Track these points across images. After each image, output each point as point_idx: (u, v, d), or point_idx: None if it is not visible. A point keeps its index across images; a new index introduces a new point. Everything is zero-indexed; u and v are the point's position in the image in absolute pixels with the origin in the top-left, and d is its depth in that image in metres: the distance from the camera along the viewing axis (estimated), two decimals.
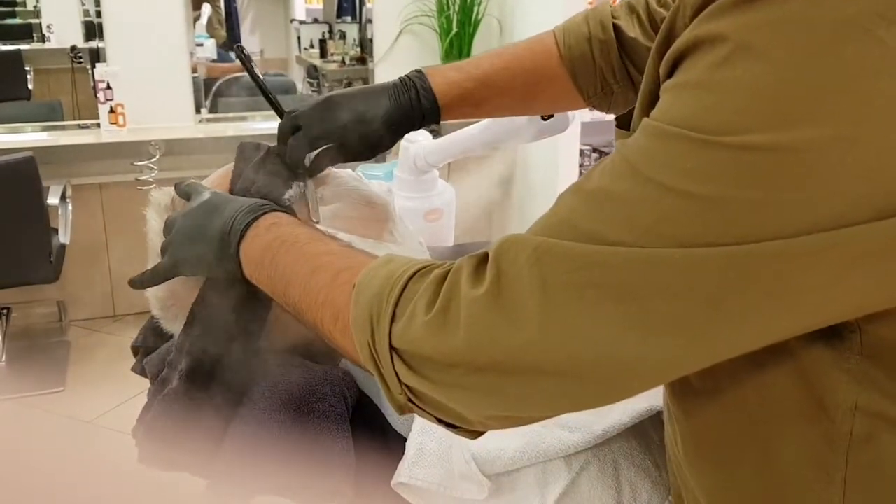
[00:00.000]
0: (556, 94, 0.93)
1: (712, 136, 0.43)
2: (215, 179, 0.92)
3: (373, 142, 0.89)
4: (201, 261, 0.75)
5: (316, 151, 0.88)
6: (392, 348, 0.53)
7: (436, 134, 1.41)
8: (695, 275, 0.43)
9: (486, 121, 1.22)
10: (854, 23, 0.39)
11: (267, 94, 0.94)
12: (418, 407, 0.55)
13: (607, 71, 0.89)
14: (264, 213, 0.72)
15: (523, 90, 0.93)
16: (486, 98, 0.91)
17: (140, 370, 0.96)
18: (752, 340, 0.46)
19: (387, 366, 0.54)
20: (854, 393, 0.48)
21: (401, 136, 0.91)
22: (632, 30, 0.87)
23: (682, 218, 0.43)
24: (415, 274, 0.54)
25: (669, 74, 0.47)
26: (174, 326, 0.88)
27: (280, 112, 0.92)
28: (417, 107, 0.88)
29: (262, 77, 0.94)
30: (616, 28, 0.88)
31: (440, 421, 0.55)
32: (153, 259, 0.85)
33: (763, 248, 0.42)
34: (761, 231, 0.42)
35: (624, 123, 0.60)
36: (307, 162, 0.88)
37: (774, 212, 0.42)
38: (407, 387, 0.53)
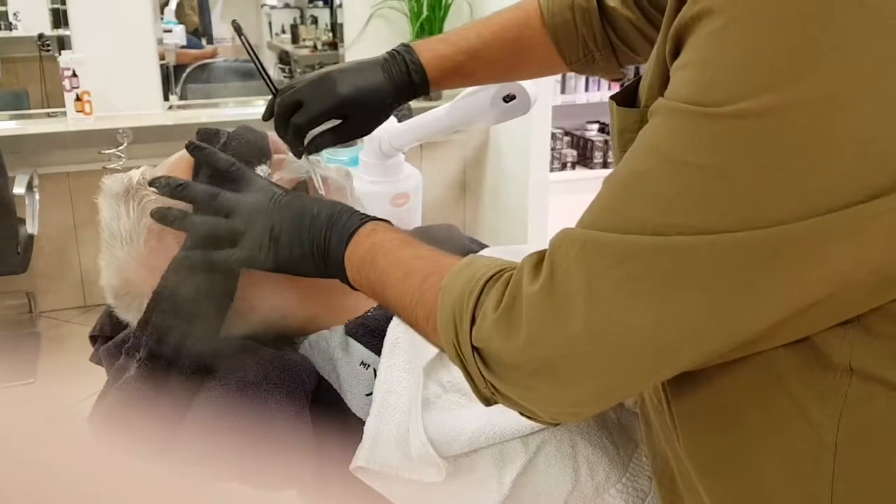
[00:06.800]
0: (540, 60, 0.95)
1: (712, 108, 0.44)
2: (172, 165, 0.91)
3: (373, 117, 0.91)
4: (303, 262, 0.77)
5: (318, 129, 0.87)
6: (474, 348, 0.57)
7: (402, 117, 1.40)
8: (721, 264, 0.46)
9: (449, 104, 1.21)
10: None
11: (261, 69, 0.93)
12: (501, 400, 0.59)
13: (589, 38, 0.91)
14: (364, 223, 0.75)
15: (510, 59, 0.95)
16: (475, 70, 0.94)
17: (98, 360, 0.95)
18: (781, 315, 0.48)
19: (471, 364, 0.58)
20: (848, 355, 0.49)
21: (394, 109, 0.92)
22: None
23: (698, 191, 0.46)
24: (491, 277, 0.58)
25: (675, 52, 0.49)
26: (129, 315, 0.87)
27: (273, 88, 0.91)
28: (408, 81, 0.90)
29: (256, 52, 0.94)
30: None
31: (522, 413, 0.59)
32: (106, 247, 0.84)
33: (781, 232, 0.43)
34: (773, 205, 0.43)
35: (621, 100, 0.61)
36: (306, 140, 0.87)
37: (782, 182, 0.43)
38: (490, 382, 0.58)
